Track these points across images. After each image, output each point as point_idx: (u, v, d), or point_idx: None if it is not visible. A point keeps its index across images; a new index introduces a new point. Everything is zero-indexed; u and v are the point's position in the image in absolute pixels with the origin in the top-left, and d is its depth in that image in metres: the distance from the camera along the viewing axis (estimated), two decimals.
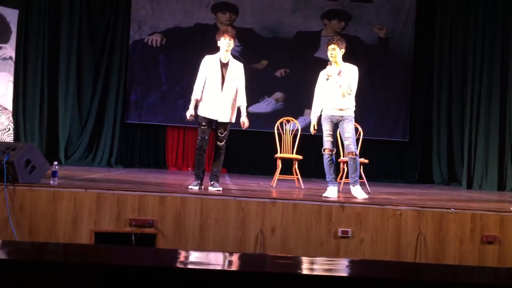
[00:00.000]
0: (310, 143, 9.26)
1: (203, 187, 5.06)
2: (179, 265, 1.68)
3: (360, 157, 6.35)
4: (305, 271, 1.70)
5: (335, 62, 5.18)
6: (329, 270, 1.75)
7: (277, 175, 6.15)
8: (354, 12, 9.93)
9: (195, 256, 1.93)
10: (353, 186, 5.09)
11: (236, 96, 5.16)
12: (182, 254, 2.03)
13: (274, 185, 6.13)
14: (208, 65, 5.08)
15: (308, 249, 4.40)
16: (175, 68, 9.52)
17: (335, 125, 5.12)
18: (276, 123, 6.55)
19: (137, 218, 4.27)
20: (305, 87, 9.86)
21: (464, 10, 9.30)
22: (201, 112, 5.06)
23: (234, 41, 5.11)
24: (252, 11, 9.81)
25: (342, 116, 5.08)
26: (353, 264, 1.97)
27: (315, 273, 1.72)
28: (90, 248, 2.30)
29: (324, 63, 9.87)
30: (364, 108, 9.69)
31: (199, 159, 5.11)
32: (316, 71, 9.72)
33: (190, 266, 1.68)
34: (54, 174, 4.63)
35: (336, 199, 4.78)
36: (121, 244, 4.25)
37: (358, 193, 5.01)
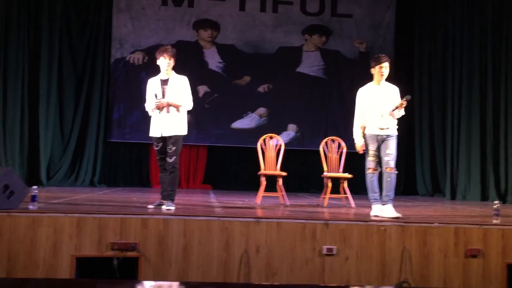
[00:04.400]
0: (294, 158, 9.31)
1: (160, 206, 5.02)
2: None
3: (344, 171, 6.40)
4: None
5: (380, 81, 5.11)
6: None
7: (261, 192, 6.12)
8: (334, 27, 10.04)
9: None
10: (385, 204, 4.95)
11: (180, 109, 5.08)
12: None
13: (258, 202, 6.10)
14: (151, 87, 5.14)
15: (294, 268, 4.36)
16: None
17: (379, 144, 5.08)
18: (259, 138, 6.54)
19: (119, 241, 4.20)
20: (288, 102, 9.96)
21: (442, 25, 9.45)
22: (150, 133, 5.13)
23: (173, 60, 5.08)
24: (233, 28, 9.86)
25: (388, 135, 5.05)
26: None
27: None
28: (72, 284, 2.25)
29: (305, 77, 10.07)
30: (347, 122, 9.76)
31: (163, 176, 5.12)
32: (298, 85, 9.90)
33: None
34: (33, 198, 4.54)
35: (380, 218, 4.75)
36: (103, 268, 4.17)
37: (390, 212, 4.86)
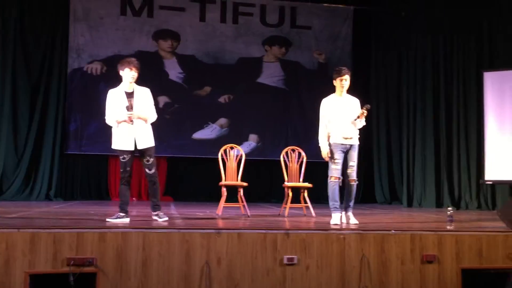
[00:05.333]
0: (255, 168, 9.33)
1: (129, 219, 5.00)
2: None
3: (304, 181, 6.47)
4: None
5: (342, 92, 5.28)
6: None
7: (222, 202, 6.10)
8: (294, 38, 10.19)
9: None
10: (351, 212, 5.27)
11: (147, 121, 5.10)
12: None
13: (220, 213, 6.08)
14: (113, 98, 5.03)
15: (255, 278, 4.36)
16: None
17: (344, 154, 5.23)
18: (221, 149, 6.52)
19: (75, 257, 4.08)
20: (249, 112, 10.00)
21: (397, 37, 9.76)
22: (117, 146, 5.03)
23: (138, 73, 5.04)
24: (193, 38, 9.84)
25: (351, 145, 5.22)
26: None
27: None
28: None
29: (266, 88, 10.14)
30: (307, 132, 9.90)
31: (124, 189, 5.04)
32: (258, 96, 9.96)
33: None
34: None
35: (339, 226, 4.92)
36: (59, 285, 4.04)
37: (353, 219, 5.23)
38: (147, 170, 5.08)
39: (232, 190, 6.34)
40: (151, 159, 5.07)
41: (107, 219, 4.98)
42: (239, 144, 7.54)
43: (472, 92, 8.73)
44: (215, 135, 9.79)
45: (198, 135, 9.76)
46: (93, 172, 9.54)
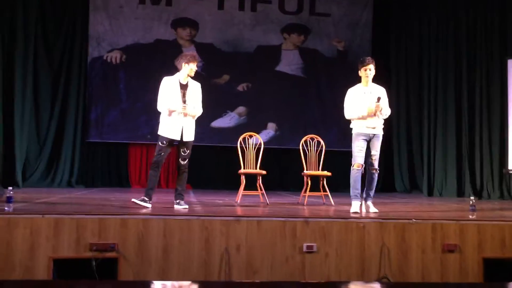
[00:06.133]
0: (273, 157, 9.32)
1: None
2: None
3: (323, 169, 6.45)
4: None
5: (367, 82, 5.29)
6: None
7: (241, 190, 6.12)
8: (313, 25, 10.09)
9: None
10: (370, 201, 5.28)
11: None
12: (145, 286, 1.96)
13: (238, 201, 6.10)
14: (168, 86, 5.21)
15: (274, 265, 4.38)
16: (136, 84, 9.39)
17: (368, 142, 5.25)
18: (239, 137, 6.53)
19: (98, 242, 4.15)
20: (267, 100, 9.97)
21: (418, 23, 9.59)
22: (163, 133, 5.20)
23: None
24: (212, 26, 9.82)
25: (374, 134, 5.23)
26: None
27: None
28: (49, 285, 2.20)
29: (284, 76, 10.08)
30: (326, 120, 9.85)
31: (153, 174, 5.18)
32: (277, 84, 9.90)
33: None
34: (9, 199, 4.45)
35: (359, 215, 4.91)
36: (82, 270, 4.12)
37: (373, 208, 5.21)
38: (181, 161, 5.26)
39: (251, 178, 6.36)
40: (188, 151, 5.26)
41: (133, 199, 5.15)
42: (258, 132, 7.53)
43: (495, 79, 8.56)
44: (234, 124, 9.80)
45: (217, 123, 9.78)
46: (114, 160, 9.64)
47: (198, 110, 5.31)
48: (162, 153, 5.17)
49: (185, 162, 5.26)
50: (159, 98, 5.21)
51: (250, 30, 9.92)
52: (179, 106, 5.13)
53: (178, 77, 5.25)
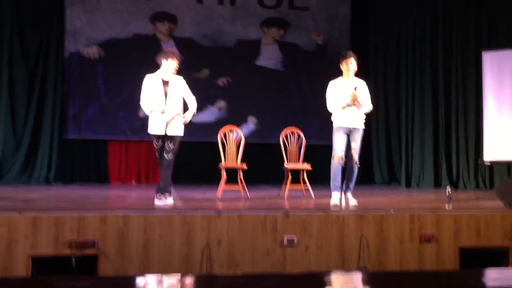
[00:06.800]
0: (254, 151, 9.33)
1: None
2: None
3: (304, 162, 6.50)
4: None
5: (349, 76, 5.35)
6: None
7: (222, 185, 6.13)
8: (292, 19, 10.11)
9: (140, 283, 1.86)
10: (350, 193, 5.34)
11: (181, 110, 5.32)
12: (125, 281, 1.96)
13: (220, 195, 6.11)
14: (150, 84, 5.20)
15: (255, 259, 4.41)
16: (114, 80, 9.28)
17: (348, 135, 5.31)
18: (220, 131, 6.53)
19: (77, 239, 4.12)
20: (247, 95, 9.97)
21: (396, 17, 9.70)
22: (150, 130, 5.24)
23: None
24: (191, 21, 9.76)
25: (354, 128, 5.29)
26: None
27: None
28: (27, 282, 2.19)
29: (264, 70, 10.09)
30: (306, 113, 9.90)
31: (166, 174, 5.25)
32: (257, 78, 9.91)
33: None
34: None
35: (339, 207, 5.00)
36: (61, 267, 4.09)
37: (353, 200, 5.30)
38: (164, 154, 5.24)
39: (232, 173, 6.37)
40: (173, 146, 5.24)
41: (156, 202, 5.16)
42: (238, 126, 7.53)
43: (471, 72, 8.70)
44: (214, 118, 9.78)
45: (197, 118, 9.59)
46: (93, 155, 9.52)
47: (192, 104, 5.35)
48: (160, 151, 5.23)
49: (169, 155, 5.23)
50: (141, 96, 5.20)
51: (229, 24, 9.88)
52: (162, 106, 5.13)
53: (160, 75, 5.23)
